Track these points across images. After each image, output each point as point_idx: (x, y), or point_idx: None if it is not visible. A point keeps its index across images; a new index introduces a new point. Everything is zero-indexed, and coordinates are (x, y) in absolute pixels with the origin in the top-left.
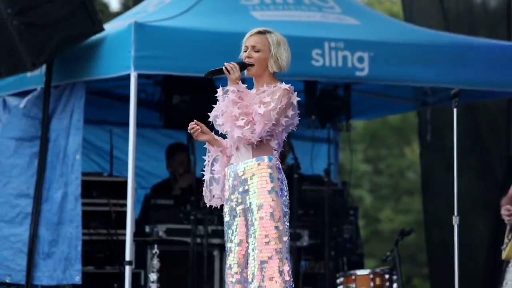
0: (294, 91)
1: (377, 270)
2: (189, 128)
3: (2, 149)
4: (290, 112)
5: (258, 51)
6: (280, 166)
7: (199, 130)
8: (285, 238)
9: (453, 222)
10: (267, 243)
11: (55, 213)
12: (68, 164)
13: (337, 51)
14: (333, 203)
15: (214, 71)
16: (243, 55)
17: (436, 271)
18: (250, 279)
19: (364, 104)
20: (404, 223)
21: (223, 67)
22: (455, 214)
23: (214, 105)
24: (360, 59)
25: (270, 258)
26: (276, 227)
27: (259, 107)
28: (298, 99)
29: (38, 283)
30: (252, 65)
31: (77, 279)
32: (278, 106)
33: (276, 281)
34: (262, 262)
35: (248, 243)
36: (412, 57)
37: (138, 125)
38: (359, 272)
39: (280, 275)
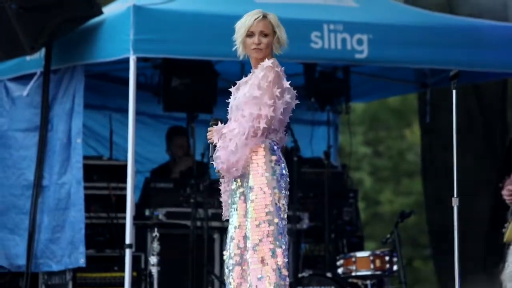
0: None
1: (377, 252)
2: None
3: (11, 142)
4: (287, 96)
5: (266, 36)
6: (275, 147)
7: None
8: (277, 220)
9: (453, 204)
10: (257, 225)
11: (63, 199)
12: (71, 148)
13: (336, 33)
14: (333, 186)
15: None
16: (248, 41)
17: (436, 253)
18: (248, 261)
19: (364, 86)
20: (404, 205)
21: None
22: (455, 195)
23: (212, 88)
24: (359, 41)
25: (261, 240)
26: (267, 209)
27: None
28: (289, 82)
29: (48, 269)
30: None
31: (82, 262)
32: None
33: (267, 263)
34: (254, 245)
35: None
36: (411, 38)
37: (136, 112)
38: (359, 254)
39: (272, 257)
